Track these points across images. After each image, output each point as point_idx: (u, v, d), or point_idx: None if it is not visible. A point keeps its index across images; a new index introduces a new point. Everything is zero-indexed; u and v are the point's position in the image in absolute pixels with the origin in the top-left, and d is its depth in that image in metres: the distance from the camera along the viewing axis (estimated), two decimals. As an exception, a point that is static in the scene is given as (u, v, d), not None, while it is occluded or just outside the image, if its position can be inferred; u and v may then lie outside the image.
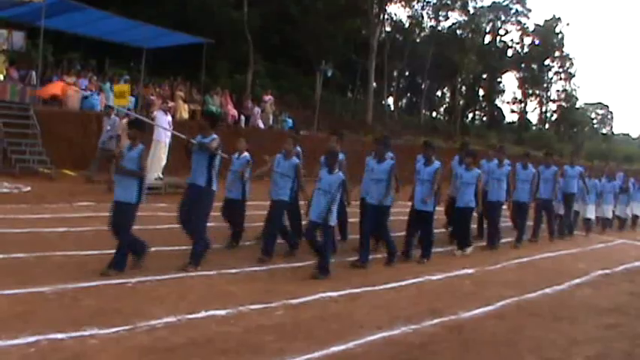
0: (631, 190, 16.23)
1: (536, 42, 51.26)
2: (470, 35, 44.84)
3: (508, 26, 50.67)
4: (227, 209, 8.46)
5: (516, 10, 49.58)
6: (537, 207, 12.09)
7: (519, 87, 54.11)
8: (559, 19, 51.36)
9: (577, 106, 57.95)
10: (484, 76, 49.09)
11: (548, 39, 50.74)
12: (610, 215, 15.38)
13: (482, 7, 47.05)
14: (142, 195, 6.44)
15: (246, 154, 8.54)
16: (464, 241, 9.95)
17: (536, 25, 51.58)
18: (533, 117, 57.24)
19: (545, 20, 51.54)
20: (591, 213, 14.09)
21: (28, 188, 11.92)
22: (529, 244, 11.51)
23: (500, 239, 10.84)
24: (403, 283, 7.41)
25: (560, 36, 51.53)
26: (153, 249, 6.95)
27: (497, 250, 10.43)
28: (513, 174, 11.14)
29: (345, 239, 9.51)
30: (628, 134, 77.09)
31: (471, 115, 53.81)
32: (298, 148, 8.58)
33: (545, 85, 54.13)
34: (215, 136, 6.95)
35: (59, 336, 4.50)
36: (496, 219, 10.75)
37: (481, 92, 53.01)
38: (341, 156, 8.41)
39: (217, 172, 6.95)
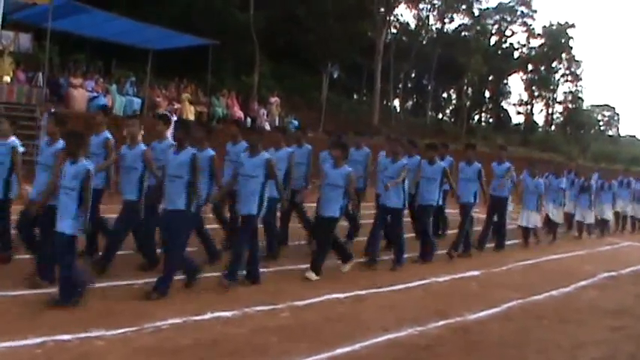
0: (593, 188, 13.77)
1: (543, 42, 51.10)
2: (476, 37, 44.81)
3: (514, 27, 50.60)
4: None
5: (522, 12, 49.47)
6: (461, 212, 9.83)
7: (526, 89, 53.92)
8: (571, 25, 51.31)
9: (583, 107, 57.81)
10: (490, 77, 48.96)
11: (555, 41, 50.59)
12: (554, 218, 12.69)
13: (487, 8, 47.08)
14: None
15: (60, 141, 6.15)
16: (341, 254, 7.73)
17: (544, 26, 51.51)
18: (539, 119, 57.16)
19: (553, 24, 51.47)
20: (528, 220, 11.29)
21: (35, 189, 11.87)
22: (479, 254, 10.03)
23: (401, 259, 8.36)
24: (409, 284, 7.41)
25: (567, 38, 51.37)
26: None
27: (400, 269, 8.20)
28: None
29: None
30: (634, 136, 76.50)
31: (477, 117, 53.65)
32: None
33: (551, 87, 53.95)
34: None
35: (66, 337, 4.52)
36: (398, 231, 8.31)
37: (487, 94, 52.92)
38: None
39: None
